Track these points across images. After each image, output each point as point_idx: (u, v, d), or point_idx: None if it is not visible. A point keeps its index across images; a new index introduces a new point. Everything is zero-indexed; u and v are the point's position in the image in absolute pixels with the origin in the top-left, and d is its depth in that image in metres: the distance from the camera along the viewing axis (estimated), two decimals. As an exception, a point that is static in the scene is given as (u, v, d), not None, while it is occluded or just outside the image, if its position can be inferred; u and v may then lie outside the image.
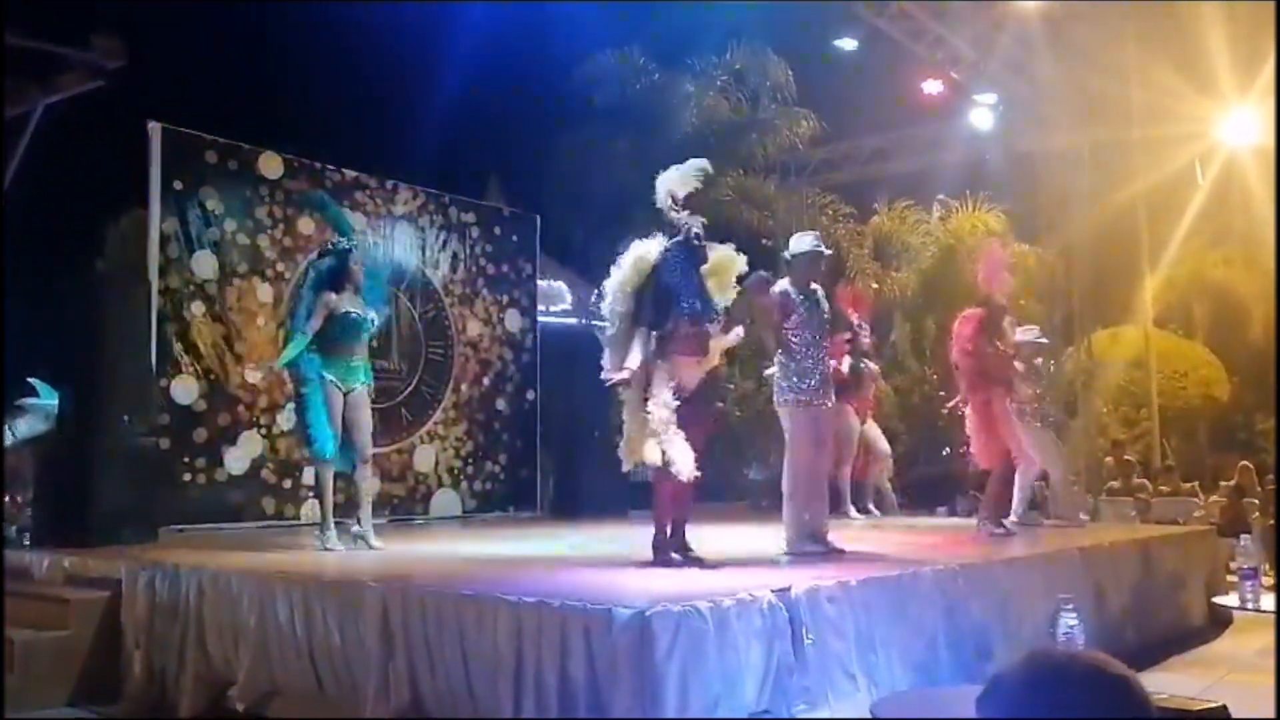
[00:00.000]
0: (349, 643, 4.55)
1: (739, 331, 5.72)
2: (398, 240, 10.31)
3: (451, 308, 10.77)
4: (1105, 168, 14.25)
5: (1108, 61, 12.07)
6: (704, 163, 5.73)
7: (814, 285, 6.22)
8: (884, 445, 10.14)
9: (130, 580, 5.70)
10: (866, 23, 11.81)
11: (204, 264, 8.88)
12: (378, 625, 4.40)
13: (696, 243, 5.48)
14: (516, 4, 16.22)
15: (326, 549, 6.50)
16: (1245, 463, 12.46)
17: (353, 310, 6.68)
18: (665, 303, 5.37)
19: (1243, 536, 8.79)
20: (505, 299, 11.24)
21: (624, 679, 3.57)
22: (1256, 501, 11.18)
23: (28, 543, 7.19)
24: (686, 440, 5.16)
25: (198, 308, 8.80)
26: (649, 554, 5.48)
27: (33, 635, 5.59)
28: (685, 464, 5.07)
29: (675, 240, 5.50)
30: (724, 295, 5.64)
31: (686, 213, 5.54)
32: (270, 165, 9.40)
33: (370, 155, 11.33)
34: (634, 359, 5.28)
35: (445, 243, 10.77)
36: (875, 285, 19.23)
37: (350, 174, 10.06)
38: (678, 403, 5.20)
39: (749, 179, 17.41)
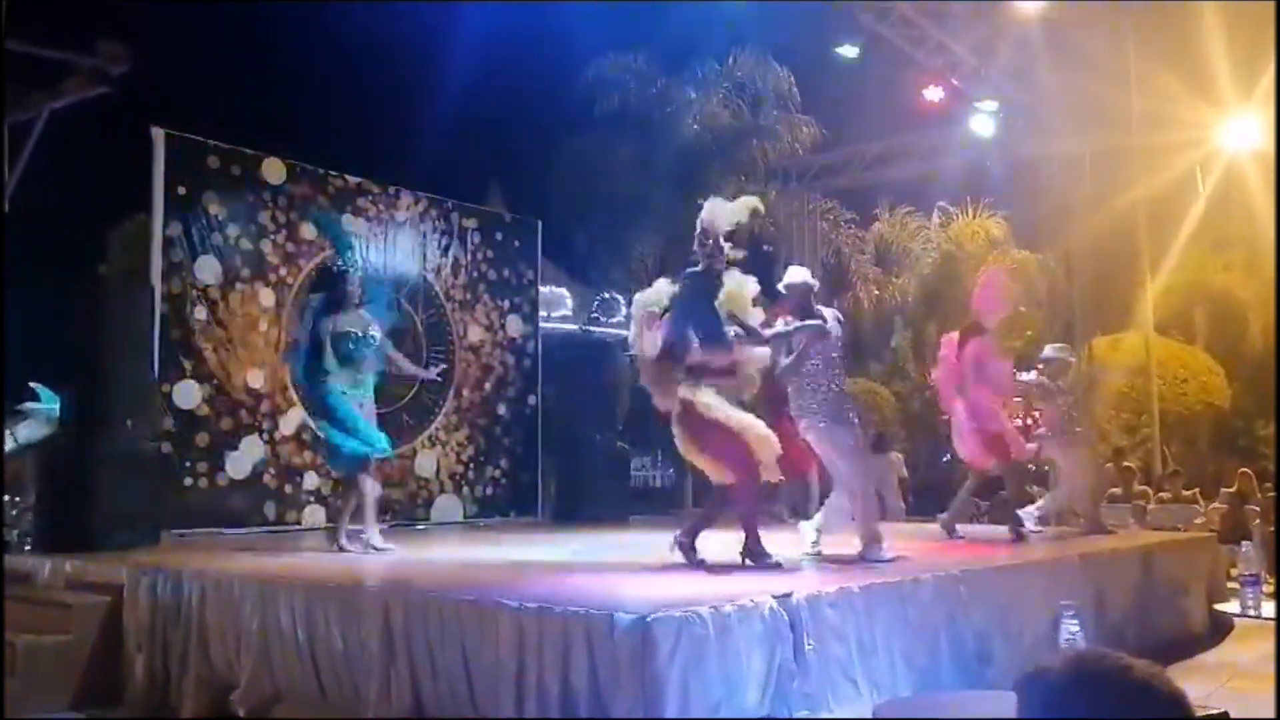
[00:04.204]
0: (351, 647, 4.55)
1: (764, 352, 5.84)
2: (399, 245, 10.33)
3: (453, 313, 10.77)
4: (1106, 174, 14.26)
5: (1108, 68, 12.08)
6: (756, 202, 5.99)
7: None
8: None
9: (132, 584, 5.71)
10: (868, 29, 11.81)
11: (207, 269, 8.89)
12: (379, 630, 4.41)
13: (717, 280, 5.62)
14: (518, 10, 16.25)
15: (344, 549, 6.74)
16: (1245, 469, 12.45)
17: (353, 329, 6.92)
18: (684, 336, 5.47)
19: (1244, 543, 8.78)
20: (507, 304, 11.25)
21: (625, 684, 3.58)
22: (1257, 508, 11.17)
23: (29, 547, 7.18)
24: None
25: (200, 312, 8.82)
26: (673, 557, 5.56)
27: (34, 640, 5.59)
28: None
29: (691, 273, 5.61)
30: (745, 317, 5.80)
31: (729, 245, 5.68)
32: (273, 170, 9.41)
33: (372, 160, 11.36)
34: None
35: (447, 248, 10.78)
36: (876, 291, 19.29)
37: (352, 179, 10.08)
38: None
39: (750, 185, 17.44)
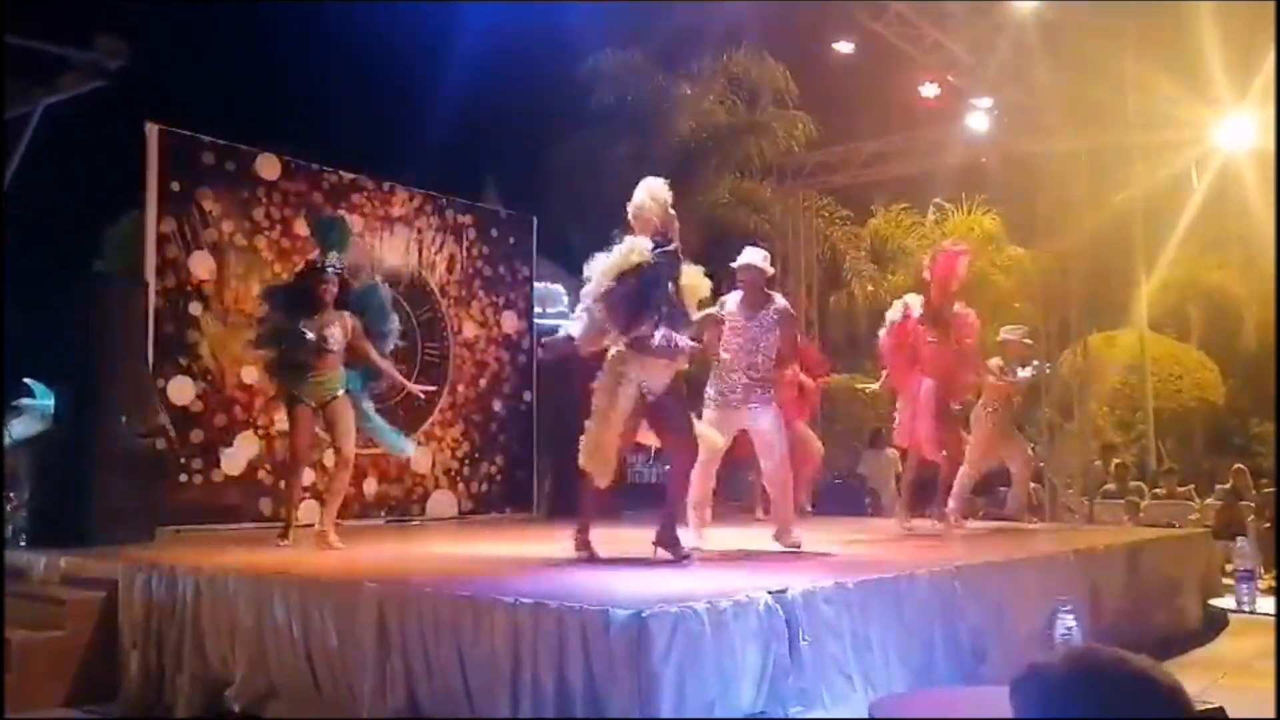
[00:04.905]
0: (345, 643, 4.55)
1: (695, 344, 5.85)
2: (394, 242, 10.32)
3: (448, 309, 10.76)
4: (1102, 172, 14.26)
5: (1104, 66, 12.09)
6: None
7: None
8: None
9: (127, 581, 5.69)
10: (864, 26, 11.80)
11: (201, 265, 8.88)
12: (374, 626, 4.40)
13: (678, 257, 5.61)
14: (514, 7, 16.24)
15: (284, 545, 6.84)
16: (1240, 466, 12.50)
17: (306, 331, 6.85)
18: (640, 305, 5.44)
19: (1238, 539, 8.82)
20: (502, 301, 11.24)
21: (620, 680, 3.57)
22: (1252, 504, 11.21)
23: (24, 543, 7.16)
24: (661, 443, 5.79)
25: (195, 308, 8.80)
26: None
27: (29, 636, 5.58)
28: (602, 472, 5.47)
29: (666, 249, 5.54)
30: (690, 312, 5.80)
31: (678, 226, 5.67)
32: (267, 167, 9.39)
33: (368, 157, 11.34)
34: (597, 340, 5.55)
35: (442, 244, 10.76)
36: (871, 288, 19.31)
37: (347, 175, 10.06)
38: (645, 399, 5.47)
39: (746, 182, 17.45)
